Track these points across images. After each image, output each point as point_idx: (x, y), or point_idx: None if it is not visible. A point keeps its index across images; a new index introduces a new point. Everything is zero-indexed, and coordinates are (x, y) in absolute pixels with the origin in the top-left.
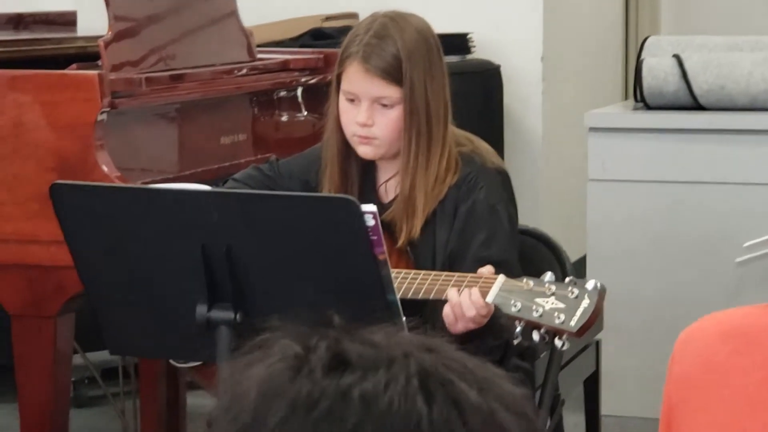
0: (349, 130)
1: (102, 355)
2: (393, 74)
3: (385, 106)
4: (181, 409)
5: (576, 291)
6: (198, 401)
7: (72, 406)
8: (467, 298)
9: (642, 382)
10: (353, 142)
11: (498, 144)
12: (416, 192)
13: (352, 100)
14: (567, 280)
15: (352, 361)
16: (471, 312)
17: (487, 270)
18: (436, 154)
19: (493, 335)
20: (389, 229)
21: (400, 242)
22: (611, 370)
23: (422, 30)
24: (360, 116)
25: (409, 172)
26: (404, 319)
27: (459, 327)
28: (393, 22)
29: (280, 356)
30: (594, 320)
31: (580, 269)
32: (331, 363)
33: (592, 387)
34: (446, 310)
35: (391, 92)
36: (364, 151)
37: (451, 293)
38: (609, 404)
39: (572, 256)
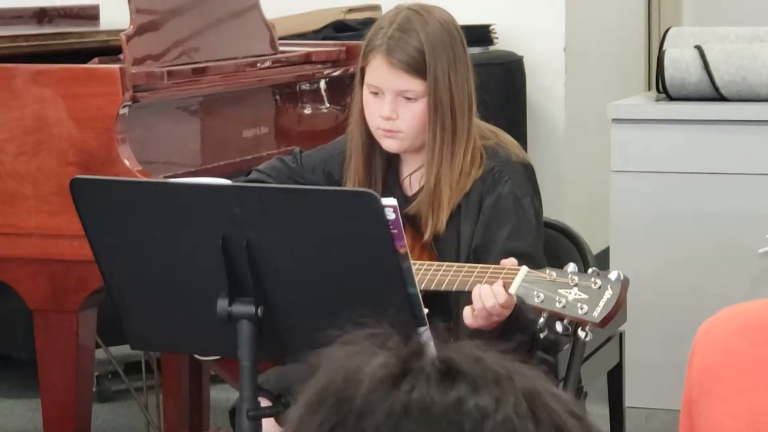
0: (373, 123)
1: (125, 350)
2: (417, 67)
3: (409, 99)
4: (204, 403)
5: (599, 282)
6: (221, 395)
7: (95, 400)
8: (488, 288)
9: (666, 374)
10: (377, 135)
11: (521, 135)
12: (441, 186)
13: (376, 93)
14: (590, 270)
15: (461, 372)
16: (490, 302)
17: (509, 262)
18: (461, 147)
19: (520, 330)
20: (414, 222)
21: (426, 236)
22: (635, 362)
23: (446, 22)
24: (384, 109)
25: (434, 166)
26: (425, 311)
27: (480, 321)
28: (417, 14)
29: (390, 353)
30: (617, 311)
31: (603, 260)
32: (441, 369)
33: (615, 379)
34: (467, 308)
35: (415, 85)
36: (388, 144)
37: (475, 287)
38: (633, 396)
39: (595, 247)
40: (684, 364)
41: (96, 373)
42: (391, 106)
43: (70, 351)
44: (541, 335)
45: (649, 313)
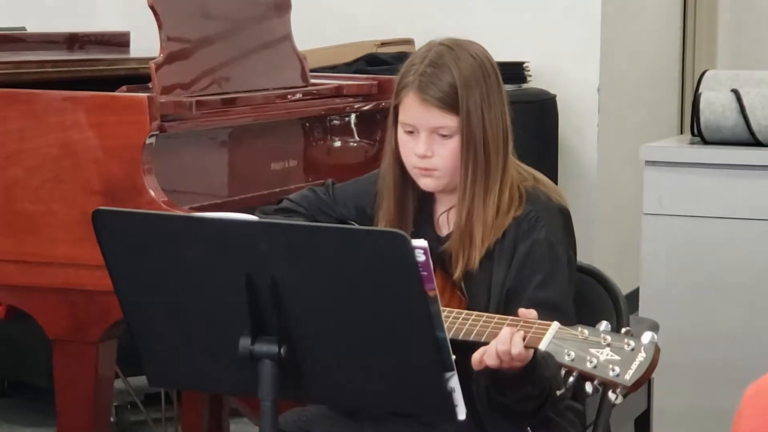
0: (409, 162)
1: (144, 381)
2: (450, 103)
3: (444, 136)
4: None
5: (632, 343)
6: (240, 428)
7: (113, 431)
8: (507, 332)
9: (694, 420)
10: (414, 174)
11: (552, 174)
12: (474, 222)
13: (411, 132)
14: (623, 331)
15: None
16: (503, 347)
17: (529, 313)
18: (495, 183)
19: (532, 384)
20: (444, 261)
21: (457, 273)
22: (663, 408)
23: (479, 56)
24: (419, 147)
25: (466, 202)
26: (453, 357)
27: (490, 361)
28: (449, 49)
29: None
30: (649, 374)
31: (632, 302)
32: None
33: (643, 426)
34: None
35: (449, 121)
36: (426, 183)
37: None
38: None
39: (625, 287)
40: (713, 411)
41: (115, 404)
42: (426, 144)
43: (89, 382)
44: (558, 393)
45: (678, 360)
